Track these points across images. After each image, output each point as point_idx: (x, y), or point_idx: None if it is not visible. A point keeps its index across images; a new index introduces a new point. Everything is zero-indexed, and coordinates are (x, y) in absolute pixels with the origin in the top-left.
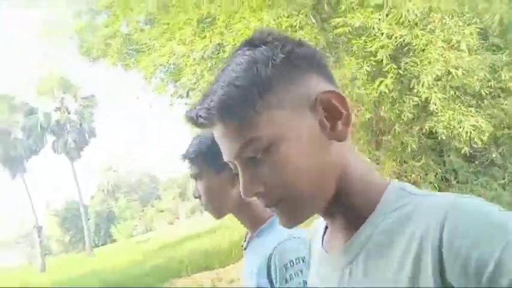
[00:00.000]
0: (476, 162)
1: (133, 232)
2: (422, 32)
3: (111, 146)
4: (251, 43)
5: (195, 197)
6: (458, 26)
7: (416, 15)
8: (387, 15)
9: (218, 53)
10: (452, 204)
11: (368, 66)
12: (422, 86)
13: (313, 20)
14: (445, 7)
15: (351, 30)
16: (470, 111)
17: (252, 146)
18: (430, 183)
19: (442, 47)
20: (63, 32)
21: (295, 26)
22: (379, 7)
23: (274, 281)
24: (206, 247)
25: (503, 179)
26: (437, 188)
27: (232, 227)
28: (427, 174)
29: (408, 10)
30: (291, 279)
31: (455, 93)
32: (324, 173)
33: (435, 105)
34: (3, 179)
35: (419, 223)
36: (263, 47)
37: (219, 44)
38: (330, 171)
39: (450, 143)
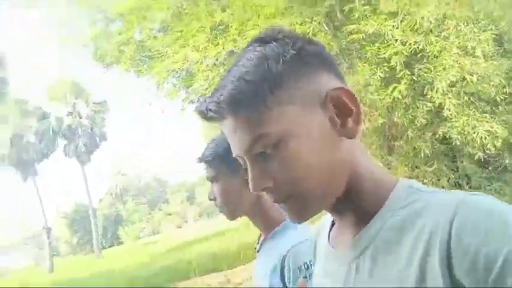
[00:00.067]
0: (490, 168)
1: (141, 235)
2: (436, 38)
3: (121, 150)
4: (262, 40)
5: (210, 199)
6: (474, 32)
7: (430, 22)
8: (401, 22)
9: (231, 60)
10: (462, 201)
11: (381, 72)
12: (436, 92)
13: (326, 28)
14: (460, 14)
15: (364, 36)
16: (485, 117)
17: (262, 141)
18: (443, 188)
19: (457, 53)
20: (78, 39)
21: (309, 33)
22: (393, 14)
23: (287, 282)
24: (214, 249)
25: None
26: None
27: (240, 229)
28: (439, 180)
29: (423, 17)
30: None
31: (469, 99)
32: (334, 170)
33: (449, 110)
34: (15, 181)
35: (428, 219)
36: (274, 43)
37: (231, 50)
38: (340, 168)
39: (463, 148)
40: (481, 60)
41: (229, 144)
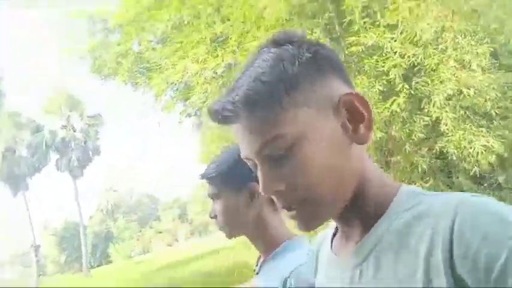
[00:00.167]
0: (485, 185)
1: (132, 254)
2: (434, 51)
3: (114, 164)
4: (276, 42)
5: (211, 217)
6: (471, 45)
7: (431, 34)
8: (401, 34)
9: (229, 72)
10: (464, 202)
11: (380, 85)
12: (433, 105)
13: (327, 40)
14: (458, 27)
15: (363, 49)
16: (481, 132)
17: (276, 143)
18: None
19: (454, 66)
20: (76, 50)
21: None
22: (392, 27)
23: None
24: (208, 268)
25: None
26: None
27: (235, 248)
28: None
29: (422, 29)
30: None
31: (465, 113)
32: (344, 176)
33: (446, 125)
34: (4, 196)
35: (431, 220)
36: (289, 45)
37: (230, 63)
38: (350, 174)
39: (459, 164)
40: (477, 73)
41: (232, 162)
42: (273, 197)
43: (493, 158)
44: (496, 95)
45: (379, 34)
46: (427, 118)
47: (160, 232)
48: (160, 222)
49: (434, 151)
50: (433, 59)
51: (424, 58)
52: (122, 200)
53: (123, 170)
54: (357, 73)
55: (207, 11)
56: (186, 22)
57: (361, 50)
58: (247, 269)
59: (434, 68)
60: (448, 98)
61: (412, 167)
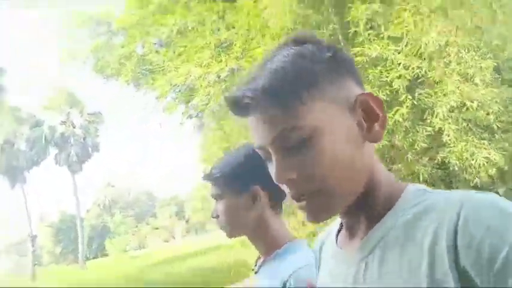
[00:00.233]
0: None
1: (127, 247)
2: (438, 64)
3: (113, 161)
4: (297, 41)
5: (213, 217)
6: (475, 59)
7: (435, 47)
8: (406, 46)
9: (233, 77)
10: (468, 197)
11: (384, 95)
12: (436, 116)
13: None
14: (462, 42)
15: (368, 59)
16: (483, 144)
17: (293, 134)
18: None
19: (458, 80)
20: (79, 50)
21: None
22: (396, 39)
23: None
24: (205, 265)
25: None
26: None
27: (233, 246)
28: None
29: (426, 43)
30: None
31: (467, 125)
32: (356, 171)
33: (448, 136)
34: (2, 188)
35: (436, 215)
36: (309, 45)
37: (233, 68)
38: (362, 170)
39: (460, 175)
40: (480, 87)
41: (236, 165)
42: (284, 187)
43: (493, 171)
44: (499, 109)
45: (383, 46)
46: (429, 128)
47: (157, 228)
48: (157, 219)
49: (436, 161)
50: (437, 71)
51: (428, 71)
52: (120, 196)
53: (121, 167)
54: None
55: (212, 18)
56: (190, 28)
57: (365, 61)
58: (244, 267)
59: (437, 80)
60: (451, 110)
61: (413, 175)
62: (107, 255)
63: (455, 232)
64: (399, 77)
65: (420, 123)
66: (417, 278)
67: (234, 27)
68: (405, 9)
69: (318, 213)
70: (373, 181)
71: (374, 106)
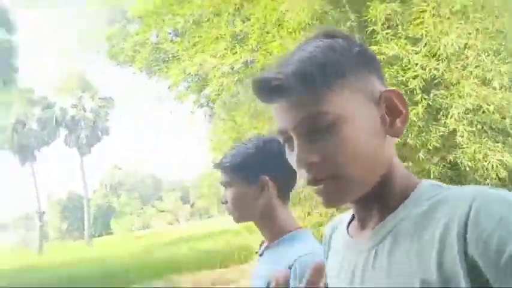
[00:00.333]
0: None
1: (132, 227)
2: (456, 67)
3: (121, 146)
4: (326, 34)
5: (222, 203)
6: (494, 63)
7: (454, 49)
8: (424, 47)
9: (247, 69)
10: (481, 191)
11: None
12: (451, 117)
13: None
14: (482, 45)
15: (385, 58)
16: (497, 147)
17: (318, 120)
18: None
19: (475, 82)
20: (95, 37)
21: None
22: (414, 39)
23: None
24: (209, 247)
25: None
26: None
27: (238, 231)
28: None
29: (445, 45)
30: None
31: (482, 127)
32: (376, 161)
33: (462, 137)
34: (12, 165)
35: (449, 207)
36: (340, 39)
37: (247, 60)
38: (381, 161)
39: (470, 175)
40: (498, 91)
41: (247, 156)
42: (303, 171)
43: (504, 173)
44: None
45: (400, 46)
46: (443, 129)
47: (162, 211)
48: (162, 202)
49: (447, 161)
50: (454, 73)
51: (445, 72)
52: (126, 178)
53: (130, 151)
54: None
55: (228, 10)
56: (206, 19)
57: (382, 60)
58: (247, 251)
59: (454, 82)
60: (467, 112)
61: (423, 173)
62: (111, 234)
63: (466, 223)
64: (415, 77)
65: (434, 123)
66: (426, 267)
67: (249, 20)
68: (425, 10)
69: (334, 198)
70: (390, 174)
71: (398, 103)
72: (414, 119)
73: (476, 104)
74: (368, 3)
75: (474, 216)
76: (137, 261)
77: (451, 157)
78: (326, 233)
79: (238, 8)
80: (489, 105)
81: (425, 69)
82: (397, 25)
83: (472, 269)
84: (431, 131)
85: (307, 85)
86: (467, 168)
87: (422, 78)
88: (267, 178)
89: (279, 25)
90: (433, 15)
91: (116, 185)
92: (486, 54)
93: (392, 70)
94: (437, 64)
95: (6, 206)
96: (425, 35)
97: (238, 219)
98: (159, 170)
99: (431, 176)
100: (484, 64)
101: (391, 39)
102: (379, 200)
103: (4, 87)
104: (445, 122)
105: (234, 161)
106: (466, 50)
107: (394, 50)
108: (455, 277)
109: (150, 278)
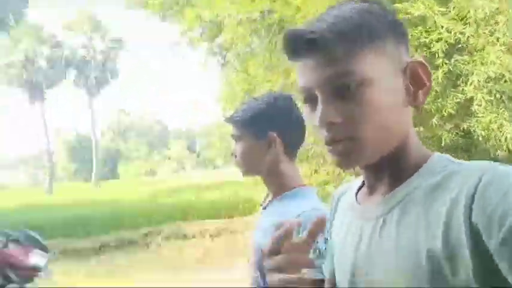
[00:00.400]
0: None
1: (138, 173)
2: (484, 32)
3: (130, 89)
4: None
5: (233, 156)
6: None
7: (485, 13)
8: (454, 8)
9: (263, 20)
10: (492, 166)
11: (420, 56)
12: (470, 85)
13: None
14: None
15: (410, 17)
16: None
17: (345, 78)
18: None
19: (501, 50)
20: None
21: None
22: (442, 0)
23: None
24: (214, 197)
25: None
26: None
27: (243, 183)
28: None
29: (476, 10)
30: None
31: (501, 97)
32: (394, 128)
33: (479, 106)
34: (21, 103)
35: (461, 179)
36: (376, 5)
37: (265, 10)
38: (398, 129)
39: (481, 144)
40: None
41: (258, 111)
42: (323, 130)
43: None
44: None
45: (428, 5)
46: (460, 96)
47: (169, 158)
48: (169, 149)
49: (461, 129)
50: (480, 39)
51: (471, 37)
52: (134, 123)
53: (138, 96)
54: None
55: None
56: None
57: (407, 19)
58: (250, 204)
59: (479, 48)
60: (487, 81)
61: (433, 139)
62: (118, 178)
63: (474, 193)
64: (439, 40)
65: (452, 89)
66: (434, 236)
67: None
68: None
69: (348, 160)
70: (405, 143)
71: (423, 75)
72: (432, 83)
73: (499, 73)
74: None
75: (482, 187)
76: (145, 206)
77: (464, 125)
78: (334, 195)
79: None
80: None
81: (450, 33)
82: None
83: (475, 237)
84: (447, 97)
85: (341, 43)
86: (480, 138)
87: (446, 42)
88: (275, 134)
89: None
90: None
91: (124, 130)
92: None
93: (416, 31)
94: (464, 28)
95: (16, 145)
96: None
97: (246, 172)
98: (166, 117)
99: (442, 143)
100: None
101: None
102: (391, 168)
103: (13, 22)
104: (463, 89)
105: (244, 115)
106: (497, 15)
107: (420, 10)
108: (460, 246)
109: (158, 223)
